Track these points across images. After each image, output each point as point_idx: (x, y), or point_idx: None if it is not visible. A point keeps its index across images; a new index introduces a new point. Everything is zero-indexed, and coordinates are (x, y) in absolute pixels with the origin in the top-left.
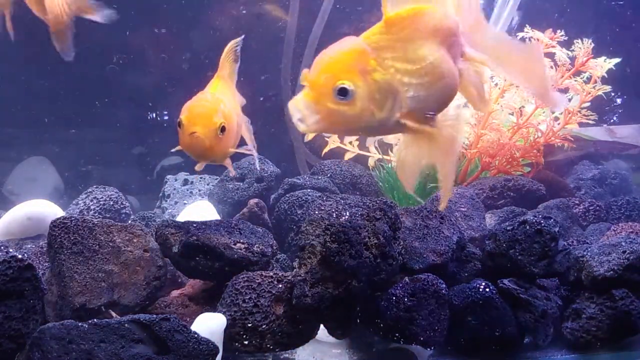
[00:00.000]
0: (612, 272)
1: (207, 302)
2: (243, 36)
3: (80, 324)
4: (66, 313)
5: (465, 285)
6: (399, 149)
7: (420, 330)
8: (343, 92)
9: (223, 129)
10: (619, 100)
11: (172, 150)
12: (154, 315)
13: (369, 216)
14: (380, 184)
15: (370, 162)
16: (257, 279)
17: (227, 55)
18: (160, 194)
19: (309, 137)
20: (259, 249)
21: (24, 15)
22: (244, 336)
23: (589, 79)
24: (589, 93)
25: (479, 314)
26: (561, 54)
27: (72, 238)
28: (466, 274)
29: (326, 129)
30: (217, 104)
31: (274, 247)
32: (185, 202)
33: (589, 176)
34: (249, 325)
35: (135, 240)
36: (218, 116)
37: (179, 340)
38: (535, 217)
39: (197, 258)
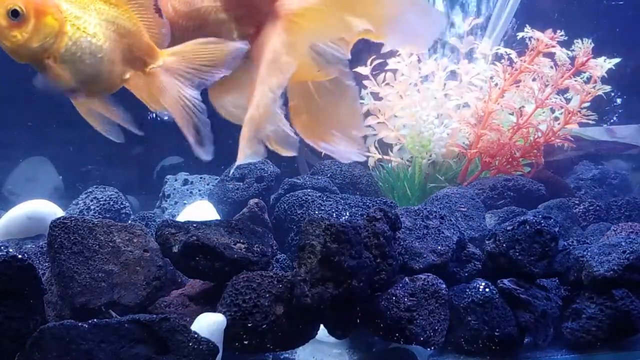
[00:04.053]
0: (612, 272)
1: (207, 302)
2: None
3: (80, 324)
4: (66, 313)
5: (465, 285)
6: None
7: (420, 330)
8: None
9: (15, 14)
10: (619, 100)
11: None
12: (154, 315)
13: (369, 216)
14: (380, 184)
15: (370, 162)
16: (257, 279)
17: None
18: (160, 194)
19: None
20: (259, 249)
21: None
22: (244, 336)
23: (589, 79)
24: (589, 93)
25: (479, 314)
26: (561, 54)
27: (72, 238)
28: (466, 274)
29: None
30: None
31: (274, 247)
32: (185, 202)
33: (589, 176)
34: (249, 325)
35: (135, 240)
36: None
37: (179, 340)
38: (535, 217)
39: (197, 258)
